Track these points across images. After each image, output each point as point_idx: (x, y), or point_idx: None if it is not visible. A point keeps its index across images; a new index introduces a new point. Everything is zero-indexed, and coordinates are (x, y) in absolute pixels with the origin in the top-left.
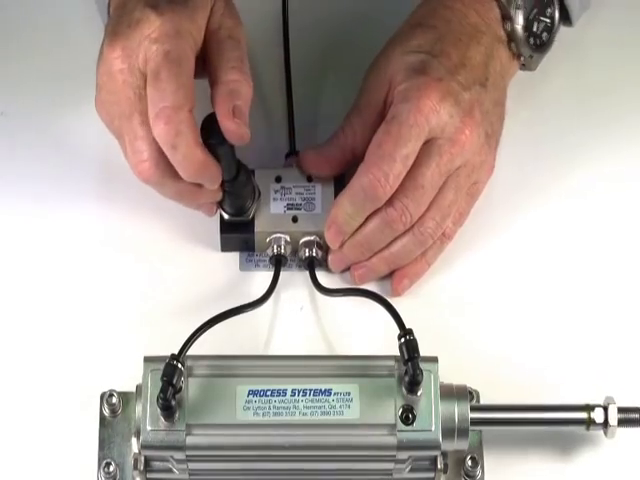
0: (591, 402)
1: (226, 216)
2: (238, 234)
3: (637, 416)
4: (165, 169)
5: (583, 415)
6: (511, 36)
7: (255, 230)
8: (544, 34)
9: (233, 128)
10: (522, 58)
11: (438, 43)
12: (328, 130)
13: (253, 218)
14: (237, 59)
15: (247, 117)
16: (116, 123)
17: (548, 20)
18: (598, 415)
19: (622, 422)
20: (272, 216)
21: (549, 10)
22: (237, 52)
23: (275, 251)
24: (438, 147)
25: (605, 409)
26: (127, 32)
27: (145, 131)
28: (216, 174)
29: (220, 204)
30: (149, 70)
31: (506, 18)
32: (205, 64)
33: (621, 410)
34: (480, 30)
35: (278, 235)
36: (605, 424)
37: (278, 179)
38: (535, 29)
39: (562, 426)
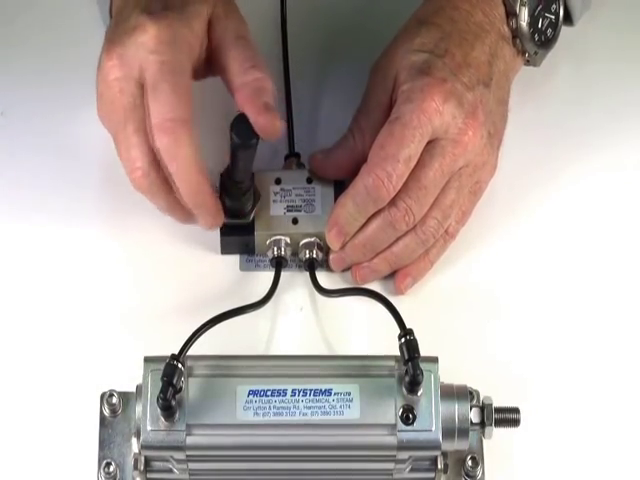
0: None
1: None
2: (238, 236)
3: None
4: (156, 179)
5: None
6: (516, 33)
7: (255, 232)
8: (549, 30)
9: (266, 122)
10: (527, 54)
11: (442, 42)
12: (328, 131)
13: (253, 220)
14: (252, 58)
15: (277, 112)
16: (113, 130)
17: (553, 16)
18: (475, 415)
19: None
20: (272, 218)
21: (554, 6)
22: (250, 51)
23: (275, 253)
24: (441, 148)
25: (482, 409)
26: (123, 40)
27: (138, 139)
28: (212, 203)
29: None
30: (147, 81)
31: (511, 15)
32: (215, 69)
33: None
34: (485, 29)
35: (278, 237)
36: (482, 424)
37: (278, 181)
38: (540, 25)
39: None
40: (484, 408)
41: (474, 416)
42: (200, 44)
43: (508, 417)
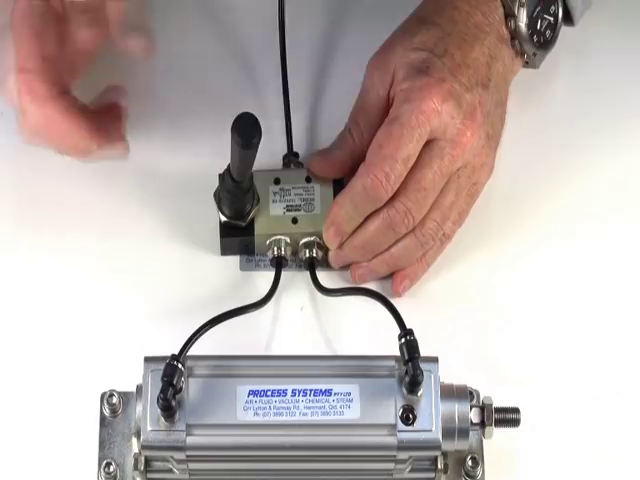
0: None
1: (223, 218)
2: (238, 237)
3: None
4: None
5: None
6: (514, 34)
7: (255, 233)
8: (547, 32)
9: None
10: (525, 56)
11: (441, 42)
12: (326, 130)
13: (253, 221)
14: None
15: None
16: None
17: (551, 18)
18: (474, 415)
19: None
20: (272, 218)
21: (552, 8)
22: None
23: (275, 253)
24: (440, 149)
25: (482, 409)
26: None
27: None
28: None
29: (219, 205)
30: None
31: (510, 16)
32: None
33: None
34: (484, 31)
35: (278, 237)
36: (482, 424)
37: (277, 181)
38: (539, 27)
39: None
40: (484, 408)
41: (474, 416)
42: None
43: (508, 417)
